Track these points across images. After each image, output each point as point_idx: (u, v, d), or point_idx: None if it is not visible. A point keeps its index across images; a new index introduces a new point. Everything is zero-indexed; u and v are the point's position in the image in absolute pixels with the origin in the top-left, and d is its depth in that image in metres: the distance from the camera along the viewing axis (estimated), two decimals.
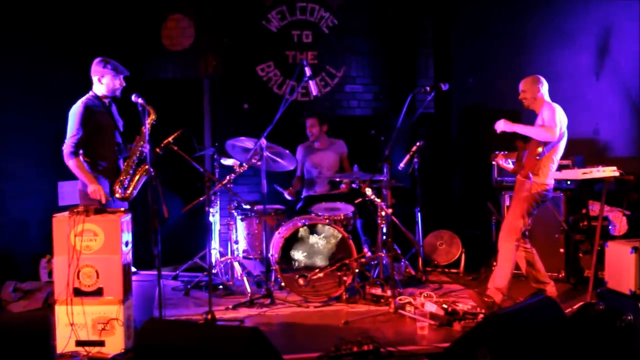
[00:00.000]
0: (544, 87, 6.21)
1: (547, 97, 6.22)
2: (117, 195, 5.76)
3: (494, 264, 7.23)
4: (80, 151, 5.71)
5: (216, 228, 7.42)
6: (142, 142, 5.77)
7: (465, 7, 8.56)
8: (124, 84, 5.85)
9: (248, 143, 6.77)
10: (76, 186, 5.96)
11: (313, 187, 7.85)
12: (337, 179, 7.50)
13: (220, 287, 6.89)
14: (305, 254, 6.57)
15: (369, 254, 6.86)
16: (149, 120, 5.70)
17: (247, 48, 8.41)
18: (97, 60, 5.82)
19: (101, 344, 4.97)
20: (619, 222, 6.96)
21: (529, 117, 6.41)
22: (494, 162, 6.69)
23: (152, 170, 5.49)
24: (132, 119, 5.84)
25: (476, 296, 6.07)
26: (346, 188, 7.59)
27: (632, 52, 8.60)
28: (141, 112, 5.60)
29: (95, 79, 5.81)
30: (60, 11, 7.33)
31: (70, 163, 5.69)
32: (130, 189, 5.79)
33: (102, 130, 5.79)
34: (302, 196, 7.87)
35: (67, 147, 5.64)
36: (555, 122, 5.95)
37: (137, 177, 5.81)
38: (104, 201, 5.64)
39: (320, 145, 7.88)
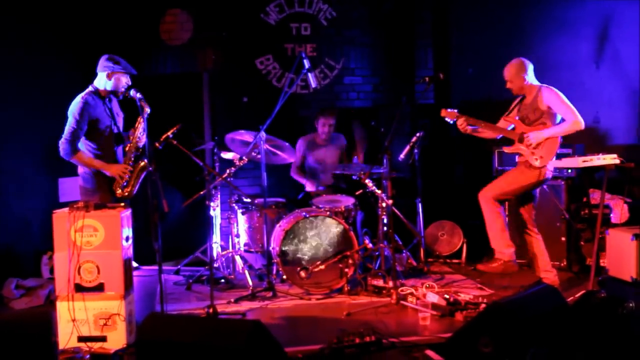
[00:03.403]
0: (530, 71, 6.22)
1: (535, 80, 6.24)
2: (118, 193, 5.77)
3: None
4: (80, 144, 5.72)
5: (217, 222, 7.41)
6: (136, 139, 5.79)
7: None
8: (130, 83, 5.86)
9: (247, 136, 6.76)
10: (76, 182, 5.98)
11: (318, 182, 7.84)
12: (339, 172, 7.49)
13: (222, 280, 6.89)
14: (306, 246, 6.57)
15: (370, 245, 6.86)
16: (143, 117, 5.71)
17: (246, 41, 8.39)
18: (105, 56, 5.84)
19: (103, 339, 4.97)
20: (620, 209, 6.95)
21: None
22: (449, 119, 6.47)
23: (150, 166, 5.50)
24: (133, 113, 5.84)
25: (486, 266, 6.09)
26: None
27: (631, 40, 8.58)
28: (139, 107, 5.62)
29: (102, 74, 5.82)
30: (59, 7, 7.31)
31: (74, 160, 5.72)
32: (130, 186, 5.81)
33: (100, 126, 5.81)
34: (306, 189, 7.86)
35: (63, 142, 5.65)
36: (570, 107, 6.00)
37: (136, 174, 5.82)
38: (127, 175, 5.68)
39: (323, 141, 7.86)
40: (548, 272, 6.28)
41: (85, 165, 5.78)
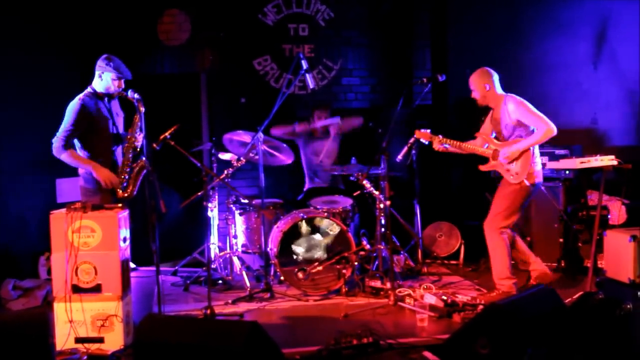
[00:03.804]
0: (493, 81, 6.15)
1: (499, 90, 6.19)
2: (119, 194, 5.76)
3: None
4: (76, 144, 5.70)
5: (215, 223, 7.38)
6: (133, 138, 5.78)
7: None
8: (123, 87, 5.83)
9: (245, 137, 6.76)
10: (74, 183, 5.98)
11: (316, 178, 7.83)
12: (337, 172, 7.49)
13: (220, 282, 6.88)
14: (304, 247, 6.57)
15: (367, 246, 6.86)
16: (138, 116, 5.70)
17: (244, 42, 8.40)
18: (103, 56, 5.83)
19: (100, 340, 4.96)
20: (617, 211, 6.95)
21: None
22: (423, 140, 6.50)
23: (148, 164, 5.49)
24: (133, 113, 5.83)
25: (490, 297, 6.05)
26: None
27: (629, 40, 8.59)
28: (136, 107, 5.62)
29: (97, 74, 5.81)
30: (57, 7, 7.32)
31: (64, 156, 5.68)
32: (130, 187, 5.79)
33: (98, 128, 5.79)
34: (305, 188, 7.86)
35: (57, 140, 5.64)
36: (539, 115, 5.94)
37: (134, 174, 5.80)
38: (116, 183, 5.67)
39: (320, 133, 7.86)
40: (535, 263, 6.33)
41: (77, 162, 5.74)
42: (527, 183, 6.01)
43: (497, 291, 6.12)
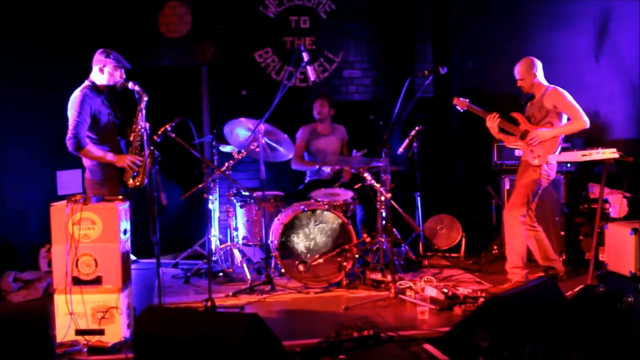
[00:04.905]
0: (539, 70, 6.28)
1: (544, 80, 6.28)
2: (130, 184, 5.73)
3: (495, 247, 7.26)
4: (87, 136, 5.67)
5: (215, 215, 7.38)
6: (139, 128, 5.75)
7: None
8: (124, 77, 5.81)
9: (247, 123, 6.65)
10: (75, 175, 5.95)
11: (318, 173, 7.82)
12: (339, 167, 7.48)
13: (220, 274, 6.88)
14: (305, 240, 6.56)
15: (368, 239, 6.85)
16: (142, 105, 5.67)
17: (245, 34, 8.37)
18: (99, 50, 5.80)
19: (101, 332, 4.96)
20: (619, 204, 6.94)
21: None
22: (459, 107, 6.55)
23: (157, 153, 5.48)
24: (128, 106, 5.80)
25: (502, 289, 6.06)
26: (347, 178, 7.59)
27: (631, 34, 8.56)
28: (138, 99, 5.59)
29: (96, 68, 5.78)
30: (56, 1, 7.29)
31: (82, 154, 5.65)
32: (141, 176, 5.75)
33: (102, 118, 5.77)
34: (306, 181, 7.84)
35: (70, 138, 5.57)
36: (577, 108, 6.10)
37: (144, 163, 5.76)
38: (137, 161, 5.67)
39: (324, 130, 7.84)
40: (554, 261, 6.43)
41: (96, 159, 5.72)
42: (546, 168, 6.13)
43: (509, 282, 6.14)
